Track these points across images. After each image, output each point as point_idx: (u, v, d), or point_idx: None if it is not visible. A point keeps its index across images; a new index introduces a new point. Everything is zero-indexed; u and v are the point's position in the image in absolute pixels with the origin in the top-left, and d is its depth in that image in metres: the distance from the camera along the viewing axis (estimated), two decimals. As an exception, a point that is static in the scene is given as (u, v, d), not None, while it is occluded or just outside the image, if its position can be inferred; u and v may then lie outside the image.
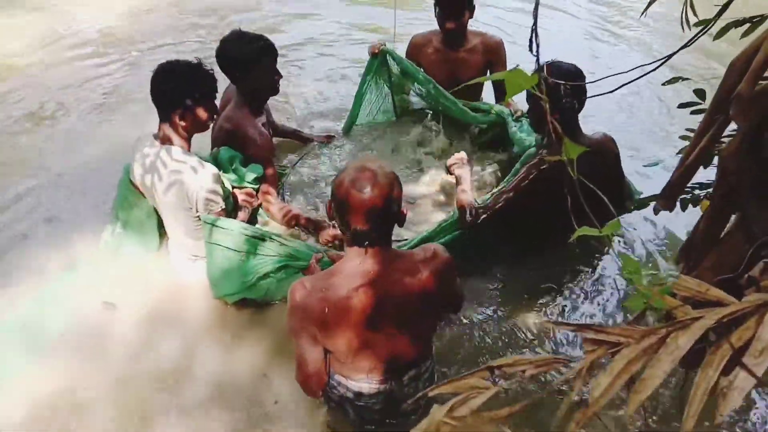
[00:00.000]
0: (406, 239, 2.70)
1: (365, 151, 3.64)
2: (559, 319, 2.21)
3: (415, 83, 3.52)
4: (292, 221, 2.83)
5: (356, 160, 1.87)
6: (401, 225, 1.90)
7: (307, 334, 1.89)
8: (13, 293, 2.62)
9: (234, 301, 2.53)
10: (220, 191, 2.47)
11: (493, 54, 3.49)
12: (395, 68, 3.54)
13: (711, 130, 1.15)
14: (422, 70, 3.45)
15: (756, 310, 0.96)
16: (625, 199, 2.69)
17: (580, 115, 2.51)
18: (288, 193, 3.26)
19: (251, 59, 2.73)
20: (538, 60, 0.92)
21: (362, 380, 1.98)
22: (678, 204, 2.18)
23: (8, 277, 2.75)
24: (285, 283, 2.37)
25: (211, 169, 2.45)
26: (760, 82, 1.11)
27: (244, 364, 2.37)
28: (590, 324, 0.95)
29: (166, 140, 2.43)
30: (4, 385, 2.24)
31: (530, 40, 0.92)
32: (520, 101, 3.52)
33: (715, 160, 1.32)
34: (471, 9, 3.38)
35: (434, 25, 3.48)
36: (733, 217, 1.31)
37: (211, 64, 2.63)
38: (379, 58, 3.52)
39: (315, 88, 4.67)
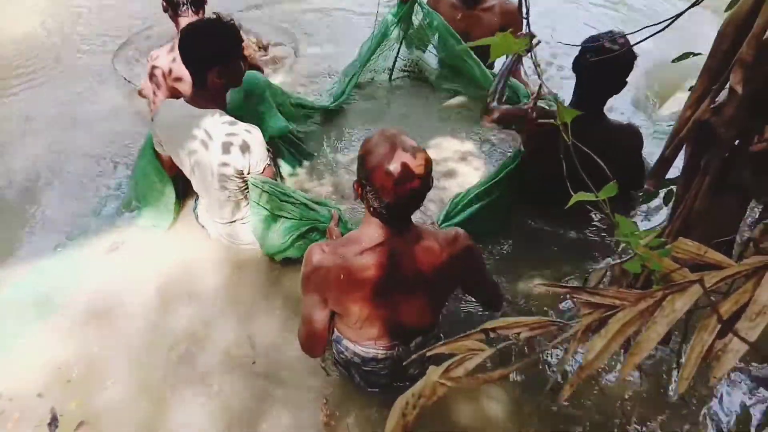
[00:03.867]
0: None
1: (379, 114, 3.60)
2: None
3: (437, 35, 3.47)
4: None
5: (384, 133, 1.73)
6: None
7: (318, 296, 1.90)
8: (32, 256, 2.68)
9: (280, 259, 2.60)
10: (264, 152, 2.46)
11: (508, 18, 3.43)
12: (416, 21, 3.52)
13: (706, 99, 1.11)
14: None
15: (754, 273, 0.95)
16: (643, 183, 2.63)
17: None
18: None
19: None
20: (528, 25, 0.90)
21: (370, 346, 2.00)
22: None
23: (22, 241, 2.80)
24: None
25: (252, 128, 2.44)
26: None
27: (262, 319, 2.42)
28: (584, 287, 0.95)
29: (204, 104, 2.41)
30: (23, 350, 2.29)
31: (519, 3, 0.90)
32: (534, 81, 3.49)
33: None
34: None
35: None
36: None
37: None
38: (407, 5, 3.46)
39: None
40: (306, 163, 3.16)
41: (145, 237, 2.74)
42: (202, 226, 2.75)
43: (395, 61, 3.74)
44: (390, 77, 3.77)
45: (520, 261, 2.62)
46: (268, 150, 2.56)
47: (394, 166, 1.66)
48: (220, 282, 2.56)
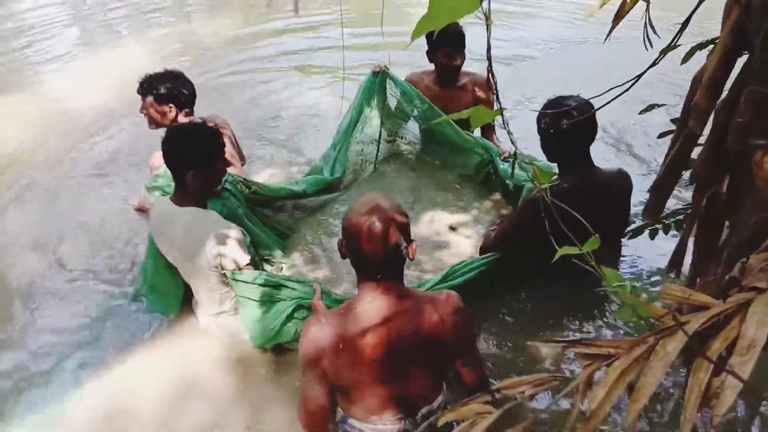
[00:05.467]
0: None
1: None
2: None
3: (413, 104, 3.60)
4: None
5: (369, 195, 1.92)
6: (412, 258, 1.94)
7: (316, 371, 1.90)
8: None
9: (271, 346, 2.59)
10: (246, 248, 2.53)
11: (480, 91, 3.62)
12: (389, 93, 3.66)
13: (677, 144, 1.20)
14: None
15: (738, 310, 1.00)
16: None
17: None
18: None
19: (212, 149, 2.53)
20: (496, 91, 0.98)
21: (376, 421, 1.98)
22: (673, 225, 2.25)
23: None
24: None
25: (234, 227, 2.52)
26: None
27: (271, 414, 2.40)
28: (579, 339, 0.99)
29: (184, 202, 2.52)
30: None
31: (487, 78, 0.98)
32: (505, 142, 3.67)
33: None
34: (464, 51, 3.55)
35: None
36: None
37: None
38: (379, 78, 3.60)
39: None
40: (302, 251, 3.20)
41: (153, 331, 2.77)
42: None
43: (378, 148, 3.84)
44: (375, 165, 3.85)
45: (518, 319, 2.64)
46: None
47: (363, 222, 1.79)
48: (225, 378, 2.55)
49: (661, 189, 1.33)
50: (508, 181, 3.33)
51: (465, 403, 1.04)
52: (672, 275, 1.50)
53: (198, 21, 7.89)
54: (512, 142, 1.12)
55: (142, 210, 3.43)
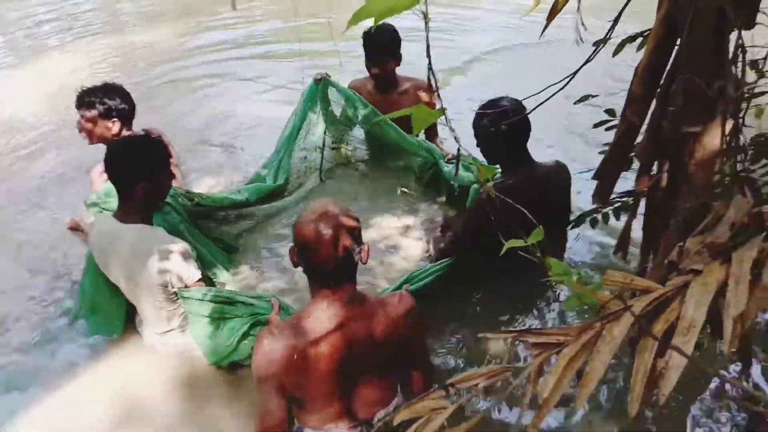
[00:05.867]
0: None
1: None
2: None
3: (357, 109, 3.60)
4: None
5: (317, 201, 1.90)
6: (365, 261, 1.93)
7: (272, 384, 1.86)
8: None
9: (226, 365, 2.52)
10: (195, 263, 2.46)
11: (422, 97, 3.65)
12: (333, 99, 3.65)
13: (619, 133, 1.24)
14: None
15: (678, 292, 1.03)
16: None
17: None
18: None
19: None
20: (437, 88, 0.99)
21: (332, 429, 1.96)
22: (611, 213, 2.33)
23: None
24: None
25: (181, 243, 2.45)
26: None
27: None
28: (528, 329, 1.00)
29: (129, 219, 2.43)
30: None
31: (428, 79, 0.99)
32: (451, 145, 3.70)
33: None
34: (397, 57, 3.54)
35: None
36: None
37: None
38: (321, 85, 3.58)
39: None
40: (250, 262, 3.14)
41: (95, 353, 2.66)
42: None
43: (323, 155, 3.82)
44: (320, 176, 3.82)
45: (472, 318, 2.68)
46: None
47: (313, 229, 1.79)
48: (175, 398, 2.47)
49: (606, 175, 1.37)
50: (452, 183, 3.38)
51: (419, 401, 1.03)
52: (618, 259, 1.55)
53: (133, 32, 7.68)
54: (456, 140, 1.13)
55: (76, 229, 3.31)
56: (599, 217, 2.35)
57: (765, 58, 1.33)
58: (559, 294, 2.73)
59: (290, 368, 1.82)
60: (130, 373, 2.55)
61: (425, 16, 0.98)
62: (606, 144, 2.42)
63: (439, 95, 0.95)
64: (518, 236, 1.09)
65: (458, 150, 1.22)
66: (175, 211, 2.77)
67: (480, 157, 2.77)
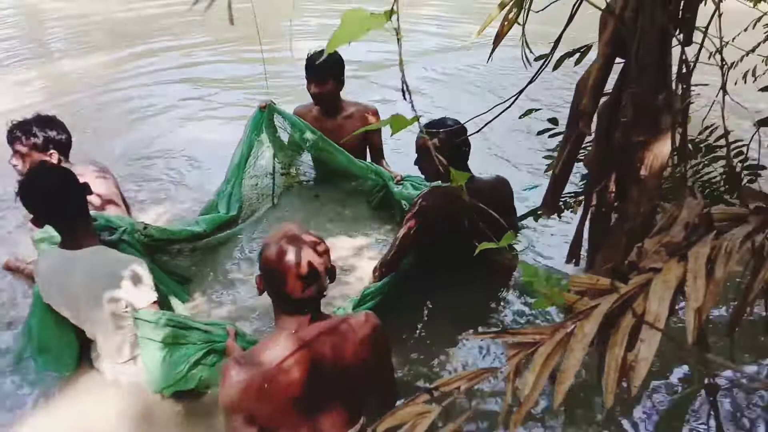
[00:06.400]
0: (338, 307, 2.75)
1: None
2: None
3: (303, 134, 3.61)
4: None
5: (282, 228, 1.86)
6: (332, 280, 1.94)
7: (242, 415, 1.82)
8: None
9: (170, 393, 2.42)
10: (150, 283, 2.39)
11: (369, 122, 3.71)
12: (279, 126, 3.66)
13: (569, 145, 1.32)
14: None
15: (641, 289, 1.10)
16: (515, 228, 2.94)
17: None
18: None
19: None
20: (412, 105, 1.03)
21: (301, 457, 1.94)
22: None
23: None
24: (216, 368, 2.30)
25: (135, 261, 2.37)
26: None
27: None
28: (505, 329, 1.04)
29: (77, 244, 2.35)
30: None
31: (402, 91, 1.03)
32: (399, 167, 3.78)
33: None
34: (338, 80, 3.59)
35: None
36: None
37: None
38: (266, 113, 3.58)
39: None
40: (205, 293, 3.08)
41: (46, 394, 2.53)
42: (99, 371, 2.58)
43: (274, 181, 3.81)
44: (273, 198, 3.82)
45: (442, 323, 2.72)
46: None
47: (287, 257, 1.77)
48: (140, 409, 2.39)
49: (556, 185, 1.44)
50: (403, 203, 3.44)
51: (403, 407, 1.05)
52: (571, 265, 1.64)
53: (65, 60, 7.47)
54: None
55: (11, 269, 3.16)
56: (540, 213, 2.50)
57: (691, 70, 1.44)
58: (504, 297, 2.85)
59: (259, 397, 1.78)
60: (83, 410, 2.44)
61: (397, 32, 1.02)
62: (549, 150, 2.58)
63: (412, 104, 0.99)
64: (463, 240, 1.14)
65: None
66: (132, 247, 2.68)
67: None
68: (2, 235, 3.55)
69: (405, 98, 1.03)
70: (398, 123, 1.01)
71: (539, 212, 2.42)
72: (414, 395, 1.07)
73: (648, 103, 1.11)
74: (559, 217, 2.47)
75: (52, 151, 2.92)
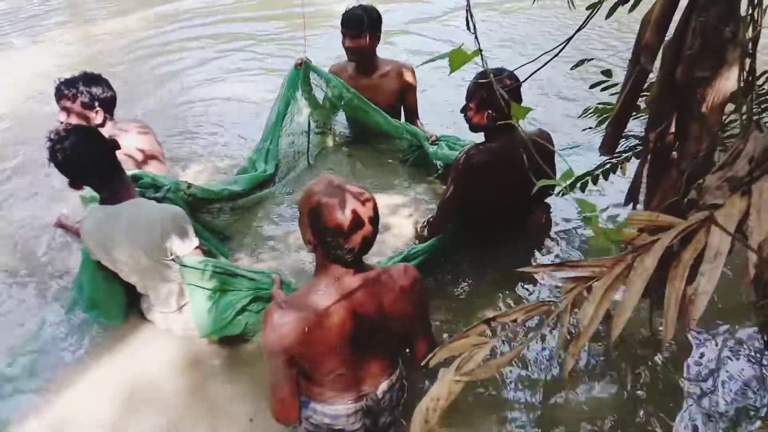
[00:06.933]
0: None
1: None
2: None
3: (339, 93, 3.60)
4: None
5: (331, 183, 1.83)
6: (376, 232, 1.96)
7: (283, 358, 1.86)
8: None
9: (217, 338, 2.51)
10: (191, 230, 2.45)
11: (405, 81, 3.69)
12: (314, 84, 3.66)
13: (629, 83, 1.29)
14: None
15: (702, 225, 1.08)
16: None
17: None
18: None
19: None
20: (476, 37, 1.02)
21: (338, 402, 1.97)
22: (601, 175, 2.40)
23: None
24: (262, 315, 2.37)
25: (176, 210, 2.44)
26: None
27: (229, 411, 2.33)
28: (564, 262, 1.04)
29: (117, 199, 2.41)
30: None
31: (467, 20, 1.02)
32: (432, 127, 3.78)
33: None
34: (374, 35, 3.54)
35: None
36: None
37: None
38: (302, 71, 3.59)
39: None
40: (247, 251, 3.14)
41: (98, 343, 2.64)
42: (152, 322, 2.67)
43: (309, 139, 3.82)
44: (308, 160, 3.83)
45: (485, 275, 2.80)
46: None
47: (350, 214, 1.76)
48: (181, 381, 2.46)
49: (616, 125, 1.42)
50: (438, 163, 3.44)
51: (460, 336, 1.06)
52: (630, 208, 1.62)
53: (100, 23, 7.53)
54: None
55: (63, 227, 3.25)
56: (589, 179, 2.42)
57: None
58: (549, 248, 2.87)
59: (301, 341, 1.82)
60: (134, 356, 2.54)
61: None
62: (586, 110, 2.51)
63: (476, 37, 0.98)
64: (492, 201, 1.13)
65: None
66: (176, 204, 2.74)
67: (465, 135, 2.81)
68: (53, 193, 3.66)
69: (469, 29, 1.02)
70: (458, 58, 0.99)
71: (585, 173, 2.34)
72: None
73: (715, 35, 1.08)
74: (594, 182, 2.42)
75: (98, 108, 2.97)
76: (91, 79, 2.98)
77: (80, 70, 3.04)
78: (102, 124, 2.98)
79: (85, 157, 2.33)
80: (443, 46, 5.62)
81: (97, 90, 2.96)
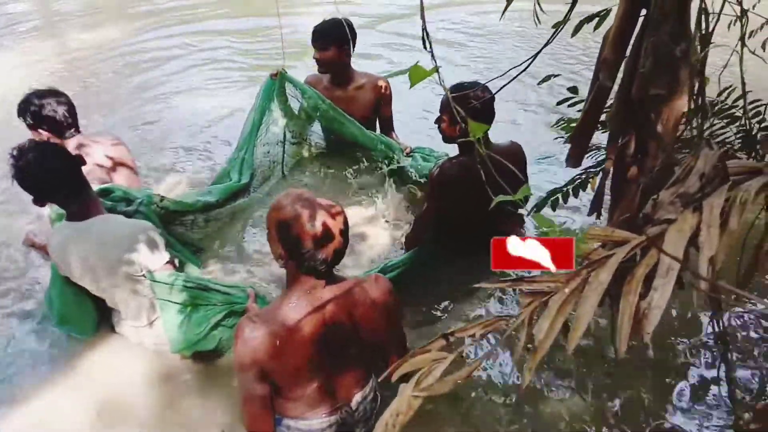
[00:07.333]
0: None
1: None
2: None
3: (314, 103, 3.60)
4: None
5: (299, 197, 1.83)
6: (346, 244, 1.97)
7: (255, 371, 1.86)
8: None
9: (190, 354, 2.49)
10: (161, 243, 2.43)
11: (380, 93, 3.71)
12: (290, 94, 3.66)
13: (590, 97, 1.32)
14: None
15: (655, 240, 1.11)
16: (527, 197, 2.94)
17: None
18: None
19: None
20: (432, 56, 1.04)
21: (311, 417, 1.96)
22: (571, 191, 2.43)
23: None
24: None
25: (145, 225, 2.42)
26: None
27: (203, 425, 2.30)
28: (521, 277, 1.06)
29: (84, 215, 2.38)
30: None
31: (423, 39, 1.03)
32: (407, 138, 3.82)
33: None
34: (342, 48, 3.55)
35: None
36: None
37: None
38: (278, 81, 3.59)
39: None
40: (219, 263, 3.12)
41: (69, 356, 2.61)
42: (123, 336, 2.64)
43: (284, 150, 3.82)
44: (282, 172, 3.83)
45: (456, 287, 2.82)
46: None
47: (320, 226, 1.78)
48: (154, 395, 2.43)
49: (580, 139, 1.45)
50: (412, 174, 3.46)
51: (420, 351, 1.07)
52: (594, 219, 1.65)
53: (75, 33, 7.46)
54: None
55: (32, 245, 3.19)
56: (560, 197, 2.45)
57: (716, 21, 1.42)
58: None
59: (272, 354, 1.81)
60: (105, 369, 2.51)
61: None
62: (559, 121, 2.55)
63: (433, 55, 1.00)
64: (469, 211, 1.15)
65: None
66: (148, 218, 2.71)
67: (438, 147, 2.83)
68: (24, 207, 3.59)
69: (426, 48, 1.04)
70: (417, 74, 1.01)
71: (554, 190, 2.38)
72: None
73: (667, 53, 1.11)
74: (565, 200, 2.44)
75: (43, 128, 2.85)
76: (39, 95, 2.85)
77: (31, 88, 2.92)
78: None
79: (46, 173, 2.28)
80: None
81: (46, 109, 2.83)
